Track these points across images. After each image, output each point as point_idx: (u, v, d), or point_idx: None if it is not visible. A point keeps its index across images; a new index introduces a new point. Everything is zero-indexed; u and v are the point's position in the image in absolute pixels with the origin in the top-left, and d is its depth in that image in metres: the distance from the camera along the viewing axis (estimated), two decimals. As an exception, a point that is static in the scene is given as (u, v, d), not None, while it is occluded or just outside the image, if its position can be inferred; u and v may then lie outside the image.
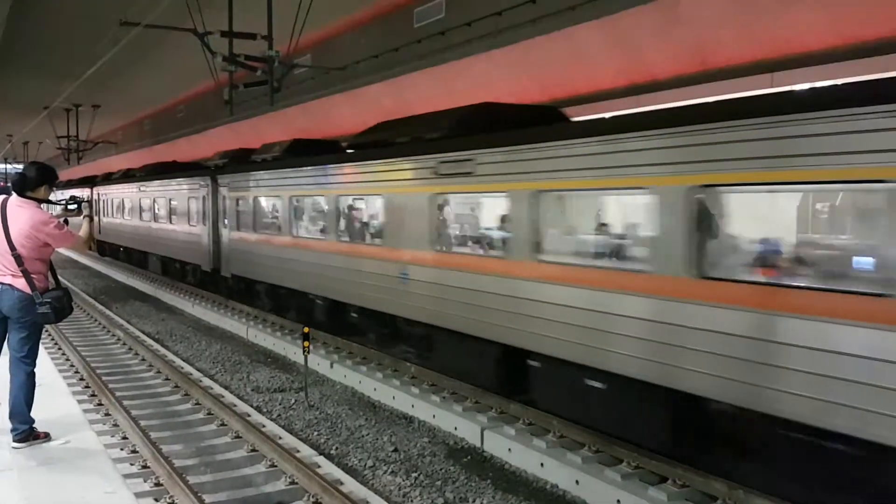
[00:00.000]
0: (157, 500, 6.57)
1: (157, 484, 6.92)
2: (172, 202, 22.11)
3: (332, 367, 11.93)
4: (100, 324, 16.30)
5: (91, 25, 18.94)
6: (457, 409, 9.28)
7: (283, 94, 15.82)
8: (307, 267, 13.57)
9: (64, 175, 44.45)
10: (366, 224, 12.62)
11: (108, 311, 18.00)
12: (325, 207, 13.19)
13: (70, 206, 6.94)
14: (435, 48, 15.19)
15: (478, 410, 9.21)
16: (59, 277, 6.74)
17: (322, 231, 13.35)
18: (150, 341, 14.38)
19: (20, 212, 6.21)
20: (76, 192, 34.66)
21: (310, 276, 13.49)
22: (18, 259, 6.10)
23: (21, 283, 6.12)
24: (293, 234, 14.31)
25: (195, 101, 30.23)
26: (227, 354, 13.70)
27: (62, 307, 6.28)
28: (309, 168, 13.64)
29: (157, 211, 23.86)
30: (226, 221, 17.92)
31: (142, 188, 25.56)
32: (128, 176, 29.50)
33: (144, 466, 7.32)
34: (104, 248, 32.56)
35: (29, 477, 5.74)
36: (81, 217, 6.91)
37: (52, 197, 6.64)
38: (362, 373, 11.25)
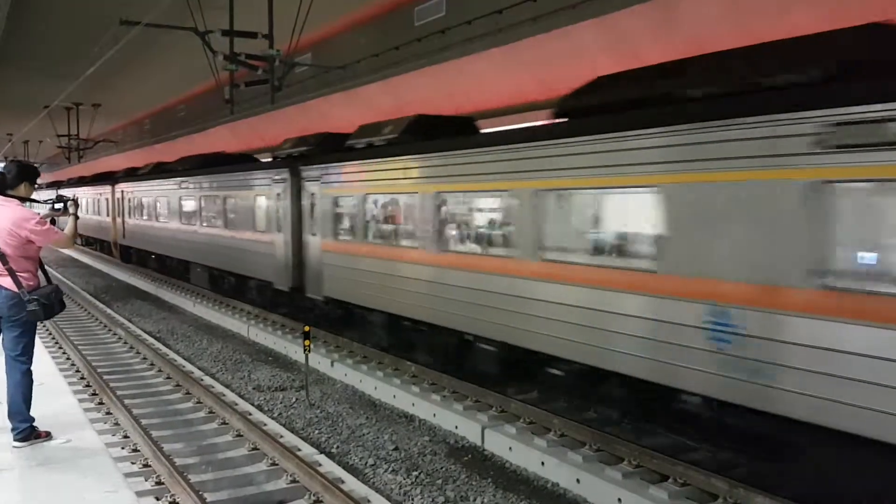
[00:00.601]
0: (158, 499, 6.58)
1: (159, 483, 6.93)
2: (229, 201, 17.77)
3: (332, 365, 11.94)
4: (101, 322, 16.31)
5: (91, 24, 18.93)
6: (457, 407, 9.28)
7: (283, 92, 15.84)
8: (471, 296, 9.35)
9: (73, 172, 44.35)
10: (607, 235, 7.83)
11: (108, 310, 18.01)
12: (514, 209, 8.69)
13: (56, 206, 7.05)
14: (435, 47, 15.19)
15: (478, 409, 9.21)
16: (51, 274, 6.78)
17: (505, 244, 8.96)
18: (151, 340, 14.39)
19: (2, 210, 6.26)
20: (93, 189, 33.68)
21: (474, 309, 9.29)
22: (3, 258, 6.15)
23: (7, 282, 6.16)
24: (442, 246, 10.00)
25: (196, 100, 30.24)
26: (228, 353, 13.70)
27: (51, 304, 6.32)
28: (476, 151, 9.33)
29: (205, 212, 19.54)
30: (316, 227, 13.64)
31: (183, 185, 21.16)
32: (161, 171, 24.77)
33: (145, 465, 7.33)
34: (129, 254, 28.44)
35: (30, 476, 5.75)
36: (69, 216, 6.98)
37: (64, 194, 6.75)
38: (363, 371, 11.25)
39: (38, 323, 6.62)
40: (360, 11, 18.16)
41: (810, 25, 9.16)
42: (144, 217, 25.68)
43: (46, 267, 6.73)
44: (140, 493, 6.39)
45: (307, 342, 10.74)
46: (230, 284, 18.49)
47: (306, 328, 10.97)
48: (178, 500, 6.52)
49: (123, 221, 28.37)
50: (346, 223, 12.64)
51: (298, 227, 14.23)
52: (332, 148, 13.77)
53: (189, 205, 20.91)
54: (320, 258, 13.35)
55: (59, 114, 35.22)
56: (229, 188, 17.81)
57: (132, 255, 28.19)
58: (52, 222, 6.61)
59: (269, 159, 17.39)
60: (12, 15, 18.64)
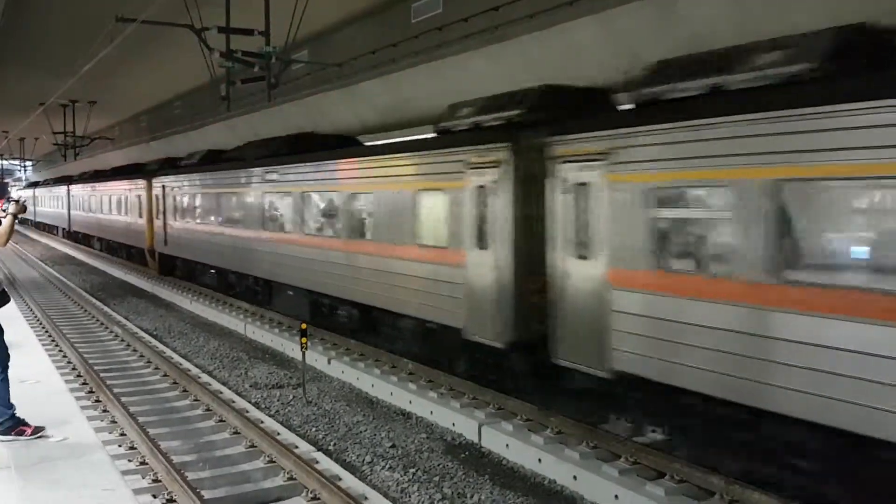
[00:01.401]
0: (155, 496, 6.57)
1: (156, 480, 6.92)
2: (366, 198, 12.10)
3: (329, 363, 11.94)
4: (97, 320, 16.28)
5: (87, 21, 18.90)
6: (455, 404, 9.29)
7: (280, 89, 15.82)
8: None
9: (85, 166, 44.02)
10: None
11: (105, 308, 17.98)
12: None
13: (4, 207, 7.31)
14: (432, 44, 15.18)
15: (476, 406, 9.22)
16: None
17: None
18: (147, 337, 14.37)
19: None
20: (118, 185, 29.72)
21: None
22: None
23: None
24: None
25: (192, 96, 30.15)
26: (226, 351, 13.70)
27: None
28: None
29: (311, 216, 14.05)
30: (588, 243, 7.84)
31: (267, 176, 15.53)
32: (220, 160, 19.18)
33: (143, 463, 7.32)
34: (173, 264, 22.87)
35: (27, 474, 5.75)
36: (8, 215, 7.15)
37: (12, 195, 6.97)
38: (360, 369, 11.25)
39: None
40: (357, 8, 18.15)
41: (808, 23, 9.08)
42: (200, 220, 19.80)
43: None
44: (137, 491, 6.38)
45: (304, 339, 10.74)
46: (353, 319, 13.04)
47: (303, 325, 10.96)
48: (175, 497, 6.52)
49: (165, 225, 22.39)
50: (690, 239, 6.99)
51: (533, 241, 8.66)
52: (572, 106, 8.79)
53: (283, 204, 15.12)
54: (600, 300, 7.65)
55: (55, 111, 35.17)
56: (365, 179, 12.05)
57: (176, 267, 22.66)
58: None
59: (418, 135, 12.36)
60: (8, 12, 18.59)
